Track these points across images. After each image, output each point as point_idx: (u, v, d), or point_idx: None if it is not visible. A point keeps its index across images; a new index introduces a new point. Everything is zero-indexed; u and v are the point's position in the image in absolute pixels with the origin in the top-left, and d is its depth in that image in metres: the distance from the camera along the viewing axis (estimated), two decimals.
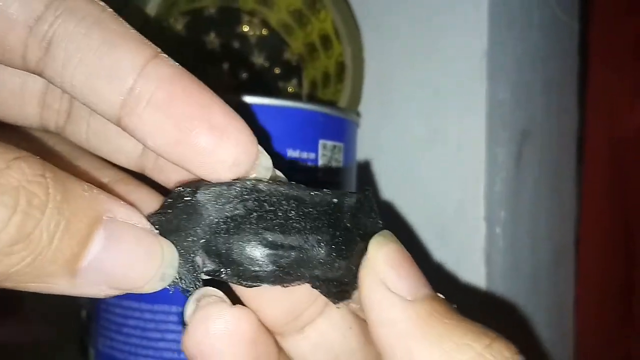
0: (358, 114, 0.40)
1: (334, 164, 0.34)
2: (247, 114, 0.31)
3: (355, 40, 0.40)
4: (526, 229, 0.39)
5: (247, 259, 0.16)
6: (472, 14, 0.37)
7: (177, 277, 0.16)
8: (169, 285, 0.16)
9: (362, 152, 0.39)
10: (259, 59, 0.44)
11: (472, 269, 0.36)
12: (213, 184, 0.16)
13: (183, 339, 0.16)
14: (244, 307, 0.17)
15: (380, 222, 0.18)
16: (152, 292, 0.15)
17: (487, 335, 0.15)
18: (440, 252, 0.38)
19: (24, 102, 0.18)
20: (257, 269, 0.16)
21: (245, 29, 0.44)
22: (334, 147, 0.34)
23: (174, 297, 0.30)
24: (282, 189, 0.16)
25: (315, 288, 0.17)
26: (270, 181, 0.16)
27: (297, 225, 0.16)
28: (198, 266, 0.16)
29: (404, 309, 0.15)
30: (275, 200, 0.16)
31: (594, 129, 0.45)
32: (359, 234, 0.17)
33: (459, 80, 0.38)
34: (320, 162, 0.34)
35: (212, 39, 0.43)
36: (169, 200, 0.16)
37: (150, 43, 0.15)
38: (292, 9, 0.42)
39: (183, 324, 0.17)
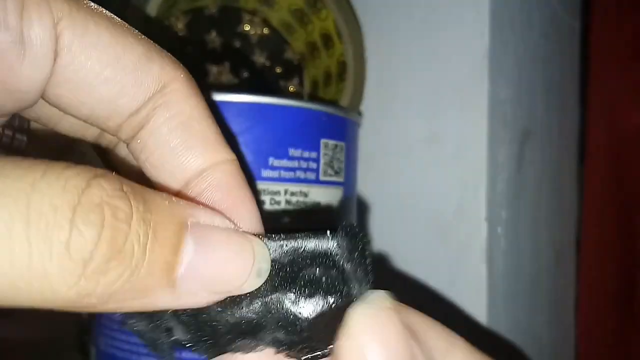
0: (360, 113, 0.40)
1: (335, 163, 0.34)
2: (249, 114, 0.31)
3: (356, 39, 0.40)
4: (527, 228, 0.39)
5: (212, 331, 0.16)
6: (473, 13, 0.37)
7: (152, 346, 0.16)
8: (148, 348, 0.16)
9: (364, 151, 0.39)
10: (260, 58, 0.44)
11: (473, 269, 0.36)
12: None
13: None
14: None
15: (370, 273, 0.16)
16: (251, 289, 0.16)
17: None
18: (441, 252, 0.38)
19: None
20: (221, 340, 0.16)
21: (247, 28, 0.44)
22: (336, 146, 0.34)
23: None
24: None
25: (280, 352, 0.16)
26: None
27: (264, 290, 0.16)
28: (169, 335, 0.16)
29: None
30: None
31: (595, 128, 0.45)
32: (343, 289, 0.16)
33: (460, 79, 0.38)
34: (322, 161, 0.33)
35: (213, 38, 0.43)
36: None
37: (228, 149, 0.18)
38: (293, 8, 0.42)
39: None
